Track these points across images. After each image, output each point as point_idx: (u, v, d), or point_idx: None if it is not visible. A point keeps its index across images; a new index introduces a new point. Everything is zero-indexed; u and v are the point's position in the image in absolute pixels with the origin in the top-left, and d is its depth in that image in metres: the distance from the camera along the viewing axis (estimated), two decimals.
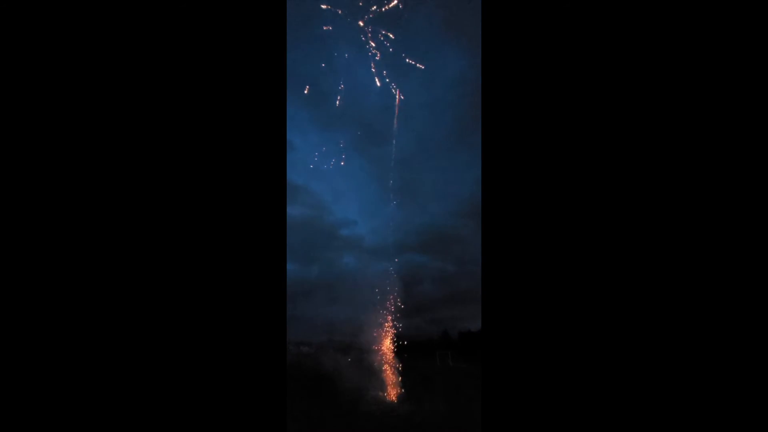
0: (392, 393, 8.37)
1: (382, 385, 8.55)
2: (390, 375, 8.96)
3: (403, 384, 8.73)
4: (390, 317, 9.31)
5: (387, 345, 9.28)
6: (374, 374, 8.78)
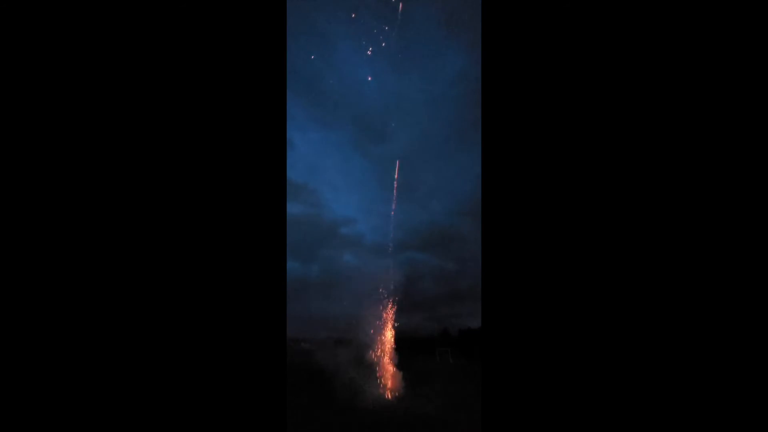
0: (392, 390, 8.40)
1: (381, 382, 8.58)
2: (390, 372, 8.99)
3: (403, 381, 8.76)
4: (390, 315, 9.34)
5: (387, 342, 9.30)
6: (374, 371, 8.81)
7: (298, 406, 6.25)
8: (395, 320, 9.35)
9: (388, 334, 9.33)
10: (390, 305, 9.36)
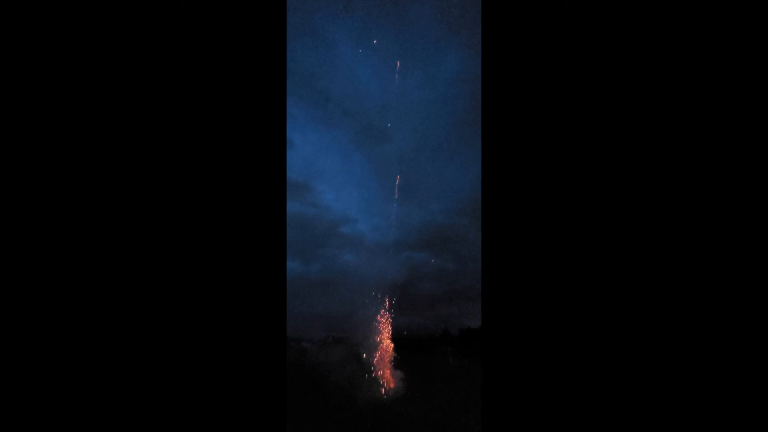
0: (392, 389, 8.41)
1: (382, 382, 8.59)
2: (390, 371, 9.00)
3: (404, 380, 8.78)
4: (390, 314, 9.35)
5: (387, 341, 9.32)
6: (374, 370, 8.82)
7: (298, 405, 6.26)
8: (395, 319, 9.37)
9: (389, 334, 9.34)
10: (390, 304, 9.37)
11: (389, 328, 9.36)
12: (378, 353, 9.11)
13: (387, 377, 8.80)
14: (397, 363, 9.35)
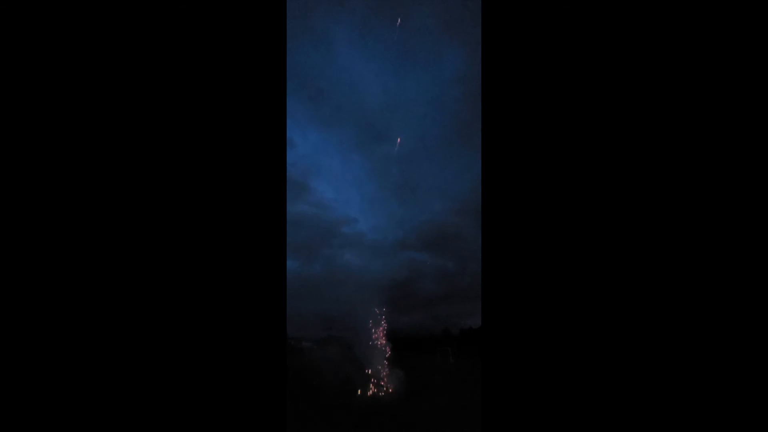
0: (392, 389, 8.42)
1: (382, 381, 8.59)
2: (390, 371, 9.00)
3: (404, 380, 8.78)
4: (391, 314, 9.35)
5: (388, 341, 9.32)
6: (375, 370, 8.83)
7: (298, 405, 6.27)
8: (395, 319, 9.37)
9: (389, 333, 9.34)
10: (390, 304, 9.38)
11: (389, 327, 9.37)
12: (378, 352, 9.12)
13: (387, 376, 8.80)
14: (397, 363, 9.36)
